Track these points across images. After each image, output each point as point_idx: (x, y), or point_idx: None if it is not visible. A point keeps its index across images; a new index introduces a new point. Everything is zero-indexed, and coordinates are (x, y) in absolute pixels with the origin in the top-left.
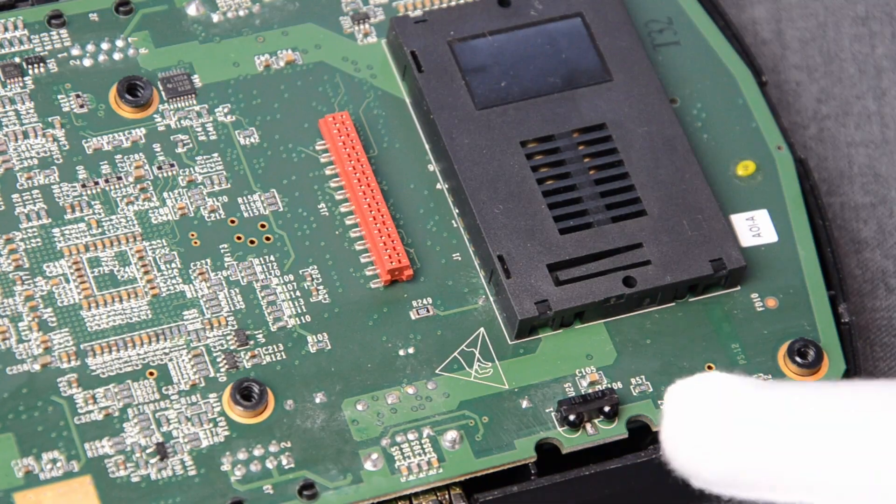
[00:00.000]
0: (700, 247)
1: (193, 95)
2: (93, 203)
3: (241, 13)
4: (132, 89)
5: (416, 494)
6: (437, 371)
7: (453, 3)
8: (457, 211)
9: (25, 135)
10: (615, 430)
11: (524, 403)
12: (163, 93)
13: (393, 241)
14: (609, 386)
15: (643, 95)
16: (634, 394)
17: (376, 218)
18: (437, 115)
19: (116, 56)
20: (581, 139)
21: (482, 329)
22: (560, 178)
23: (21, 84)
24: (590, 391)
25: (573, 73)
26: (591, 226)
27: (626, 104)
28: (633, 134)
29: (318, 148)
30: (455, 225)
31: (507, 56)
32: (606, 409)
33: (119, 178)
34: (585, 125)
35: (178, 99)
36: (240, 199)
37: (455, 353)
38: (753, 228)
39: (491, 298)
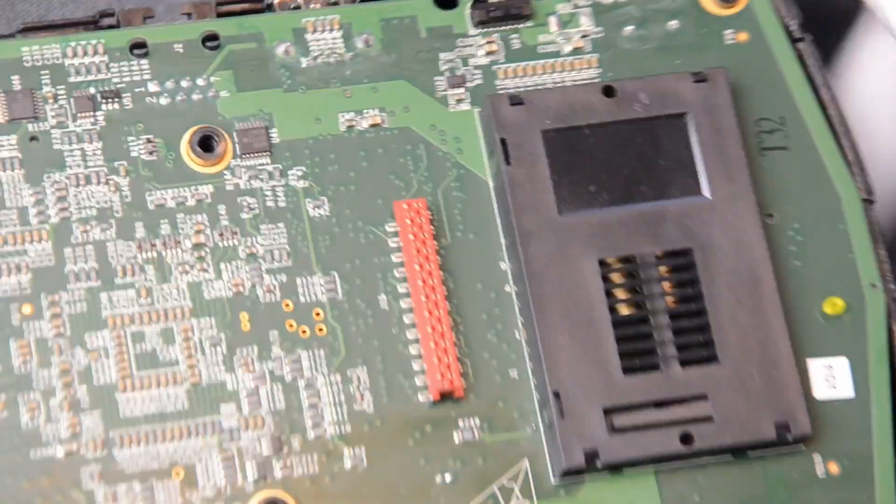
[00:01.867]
0: (767, 405)
1: (269, 153)
2: (146, 267)
3: (333, 60)
4: (206, 141)
5: None
6: None
7: (556, 83)
8: (521, 320)
9: (88, 179)
10: None
11: None
12: (237, 146)
13: (448, 359)
14: None
15: (737, 219)
16: None
17: (435, 328)
18: (517, 217)
19: (195, 96)
20: (663, 263)
21: (526, 460)
22: (634, 307)
23: (92, 119)
24: None
25: (667, 183)
26: (657, 367)
27: (717, 227)
28: (718, 265)
29: (388, 229)
30: (517, 337)
31: (601, 155)
32: None
33: (177, 242)
34: (670, 248)
35: (252, 155)
36: (299, 280)
37: (494, 487)
38: (830, 378)
39: (541, 428)
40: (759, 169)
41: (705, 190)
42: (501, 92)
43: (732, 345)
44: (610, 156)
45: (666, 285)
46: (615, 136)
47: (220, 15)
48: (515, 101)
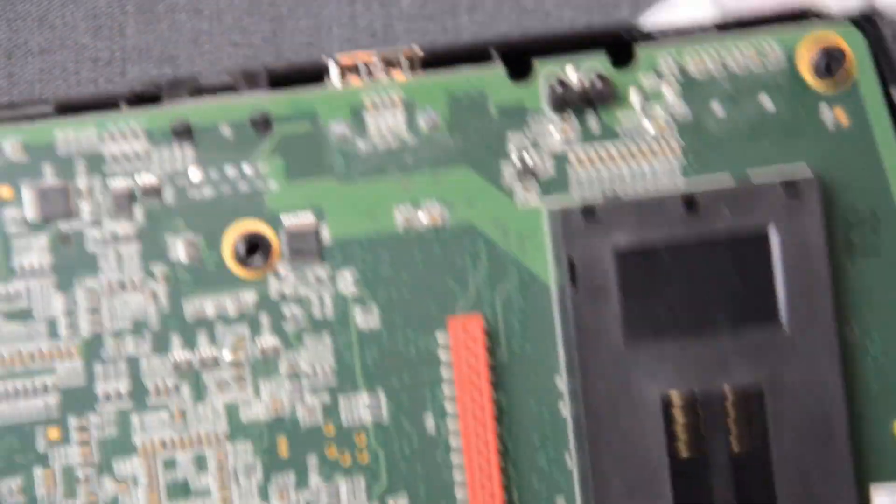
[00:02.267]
0: None
1: (318, 257)
2: (180, 386)
3: (392, 142)
4: (252, 249)
5: None
6: None
7: (635, 172)
8: (573, 445)
9: (122, 286)
10: None
11: None
12: (286, 249)
13: (494, 496)
14: None
15: (814, 353)
16: None
17: (482, 454)
18: (579, 345)
19: (242, 187)
20: (730, 402)
21: None
22: (695, 452)
23: (129, 218)
24: None
25: (743, 308)
26: None
27: (791, 363)
28: (789, 407)
29: (439, 341)
30: (568, 466)
31: (676, 277)
32: None
33: (215, 360)
34: (739, 386)
35: (300, 259)
36: (342, 399)
37: None
38: None
39: None
40: (843, 274)
41: (783, 318)
42: (573, 191)
43: (793, 494)
44: (685, 278)
45: (730, 424)
46: (693, 256)
47: (274, 84)
48: (588, 210)
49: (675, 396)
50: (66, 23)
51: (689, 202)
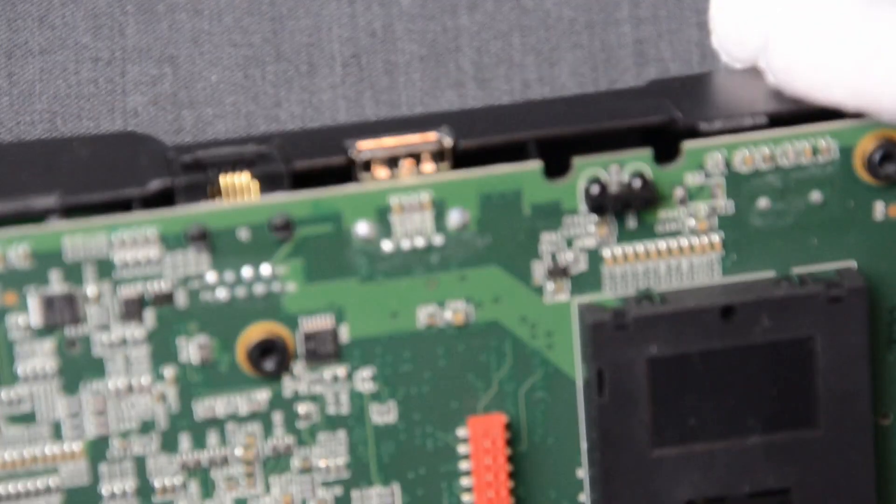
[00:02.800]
0: None
1: (335, 358)
2: (188, 484)
3: (419, 243)
4: (265, 354)
5: None
6: None
7: (671, 267)
8: None
9: (130, 389)
10: None
11: None
12: (301, 352)
13: None
14: None
15: (847, 457)
16: None
17: None
18: (602, 453)
19: (258, 290)
20: None
21: None
22: None
23: (139, 321)
24: None
25: (778, 414)
26: None
27: (823, 461)
28: None
29: (458, 435)
30: None
31: (709, 383)
32: None
33: (225, 459)
34: (767, 488)
35: (316, 361)
36: (354, 494)
37: None
38: None
39: None
40: (882, 363)
41: (819, 420)
42: (606, 288)
43: None
44: (719, 384)
45: None
46: (728, 362)
47: (296, 181)
48: (621, 324)
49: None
50: (66, 23)
51: (727, 311)
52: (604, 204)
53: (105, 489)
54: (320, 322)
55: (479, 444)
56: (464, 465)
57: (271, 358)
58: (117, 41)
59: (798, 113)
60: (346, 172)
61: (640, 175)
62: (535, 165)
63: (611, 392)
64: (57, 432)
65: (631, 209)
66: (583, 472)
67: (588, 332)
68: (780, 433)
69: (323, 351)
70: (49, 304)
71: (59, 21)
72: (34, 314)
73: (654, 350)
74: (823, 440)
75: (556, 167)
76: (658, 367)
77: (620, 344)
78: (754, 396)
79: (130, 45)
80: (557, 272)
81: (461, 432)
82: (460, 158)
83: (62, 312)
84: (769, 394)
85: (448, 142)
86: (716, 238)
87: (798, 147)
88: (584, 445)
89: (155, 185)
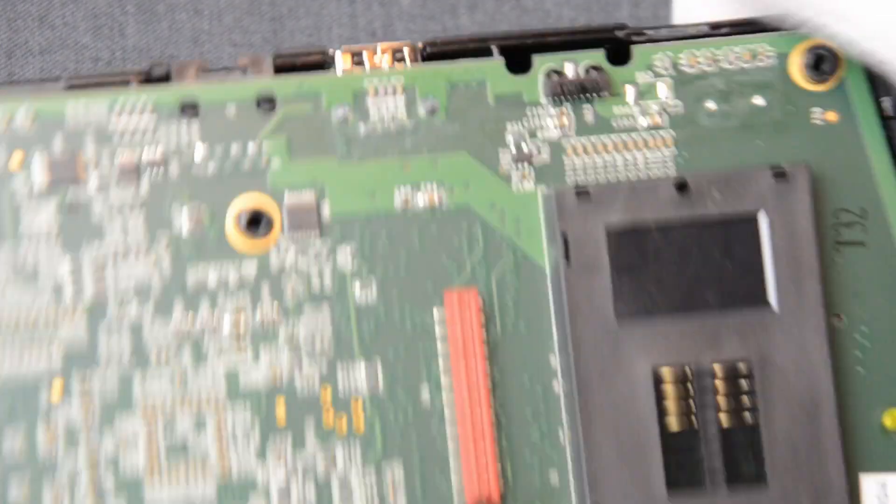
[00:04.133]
0: None
1: (318, 232)
2: (181, 351)
3: (392, 127)
4: (254, 220)
5: None
6: None
7: (629, 162)
8: (566, 419)
9: (127, 253)
10: None
11: None
12: (286, 224)
13: (487, 462)
14: None
15: (803, 334)
16: None
17: (476, 427)
18: (571, 320)
19: (246, 165)
20: (719, 377)
21: None
22: (685, 420)
23: (135, 190)
24: None
25: (733, 289)
26: (702, 485)
27: (780, 342)
28: (778, 382)
29: (436, 315)
30: (561, 440)
31: (667, 256)
32: None
33: (216, 325)
34: (729, 361)
35: (300, 233)
36: (339, 367)
37: None
38: (882, 497)
39: None
40: (831, 264)
41: (772, 299)
42: (568, 178)
43: (783, 468)
44: (676, 258)
45: (720, 400)
46: (684, 237)
47: (279, 70)
48: (582, 193)
49: (666, 372)
50: (66, 23)
51: (681, 186)
52: (562, 90)
53: (103, 350)
54: (304, 197)
55: (454, 317)
56: (441, 348)
57: (258, 226)
58: (117, 41)
59: (737, 24)
60: (327, 66)
61: (595, 67)
62: (498, 61)
63: (576, 260)
64: (58, 292)
65: (587, 97)
66: (556, 361)
67: (552, 201)
68: (738, 309)
69: (307, 223)
70: (52, 164)
71: (59, 21)
72: (38, 174)
73: (614, 219)
74: (778, 318)
75: (519, 66)
76: (618, 236)
77: (582, 212)
78: (710, 272)
79: (130, 45)
80: (522, 158)
81: (437, 313)
82: (430, 59)
83: (64, 172)
84: (724, 271)
85: (420, 45)
86: (667, 135)
87: (738, 52)
88: (555, 333)
89: (151, 64)
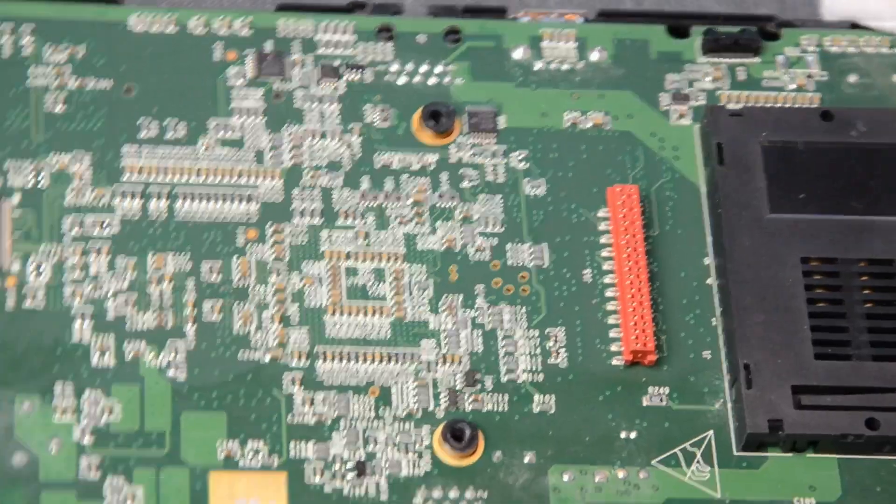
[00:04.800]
0: None
1: (494, 135)
2: (367, 215)
3: (564, 67)
4: (436, 115)
5: None
6: (653, 462)
7: (776, 105)
8: (720, 309)
9: (323, 135)
10: None
11: None
12: (466, 125)
13: (644, 323)
14: None
15: None
16: None
17: (635, 296)
18: (725, 210)
19: (431, 81)
20: (865, 270)
21: (711, 432)
22: (832, 303)
23: (334, 86)
24: None
25: (878, 201)
26: (849, 358)
27: None
28: None
29: (599, 215)
30: (714, 324)
31: (814, 171)
32: None
33: (398, 199)
34: (874, 257)
35: (478, 135)
36: (508, 246)
37: (677, 449)
38: None
39: (728, 404)
40: None
41: None
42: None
43: None
44: (822, 172)
45: (865, 290)
46: (830, 155)
47: (465, 13)
48: (735, 112)
49: (814, 261)
50: None
51: (826, 114)
52: (718, 45)
53: (296, 206)
54: (483, 106)
55: (616, 209)
56: (604, 240)
57: (440, 120)
58: None
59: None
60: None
61: (748, 31)
62: (659, 27)
63: (729, 162)
64: (259, 158)
65: (741, 56)
66: (709, 260)
67: (708, 114)
68: (882, 217)
69: (484, 125)
70: (263, 58)
71: None
72: (249, 67)
73: (765, 135)
74: None
75: (678, 34)
76: (768, 149)
77: (736, 126)
78: (856, 187)
79: None
80: (680, 98)
81: (602, 212)
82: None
83: (271, 67)
84: (868, 186)
85: (590, 14)
86: (814, 96)
87: (878, 41)
88: (709, 239)
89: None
